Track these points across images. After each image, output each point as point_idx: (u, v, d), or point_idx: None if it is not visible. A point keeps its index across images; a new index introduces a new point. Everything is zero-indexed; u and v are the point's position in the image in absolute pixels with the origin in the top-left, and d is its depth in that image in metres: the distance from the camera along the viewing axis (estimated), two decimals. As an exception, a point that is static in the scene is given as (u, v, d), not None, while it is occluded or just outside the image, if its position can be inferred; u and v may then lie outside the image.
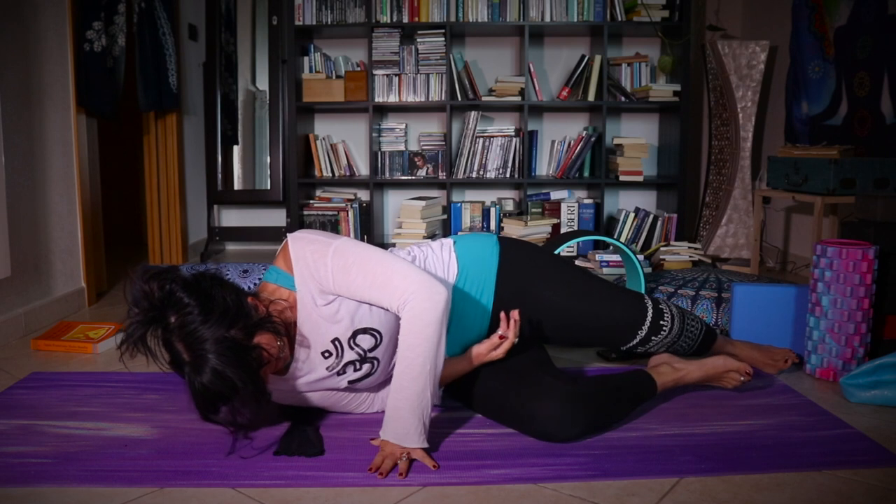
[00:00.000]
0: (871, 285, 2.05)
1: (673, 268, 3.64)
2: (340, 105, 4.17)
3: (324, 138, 4.31)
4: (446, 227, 4.24)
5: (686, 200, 4.14)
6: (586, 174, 4.24)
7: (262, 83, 4.43)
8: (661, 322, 1.89)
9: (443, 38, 4.07)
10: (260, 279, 2.03)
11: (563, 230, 4.15)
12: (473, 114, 4.19)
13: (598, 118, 4.20)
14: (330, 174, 4.33)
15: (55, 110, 2.89)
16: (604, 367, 2.23)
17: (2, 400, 1.95)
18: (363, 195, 4.40)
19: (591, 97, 4.12)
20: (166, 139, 4.03)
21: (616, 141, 4.21)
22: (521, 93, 4.11)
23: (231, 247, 4.70)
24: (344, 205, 4.26)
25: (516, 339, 1.71)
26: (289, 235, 1.61)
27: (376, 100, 4.13)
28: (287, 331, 1.56)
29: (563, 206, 4.16)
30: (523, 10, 4.03)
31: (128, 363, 2.24)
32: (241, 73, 4.43)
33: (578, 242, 4.10)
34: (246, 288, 1.80)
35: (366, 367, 1.63)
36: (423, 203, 3.99)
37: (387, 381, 1.74)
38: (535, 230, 3.98)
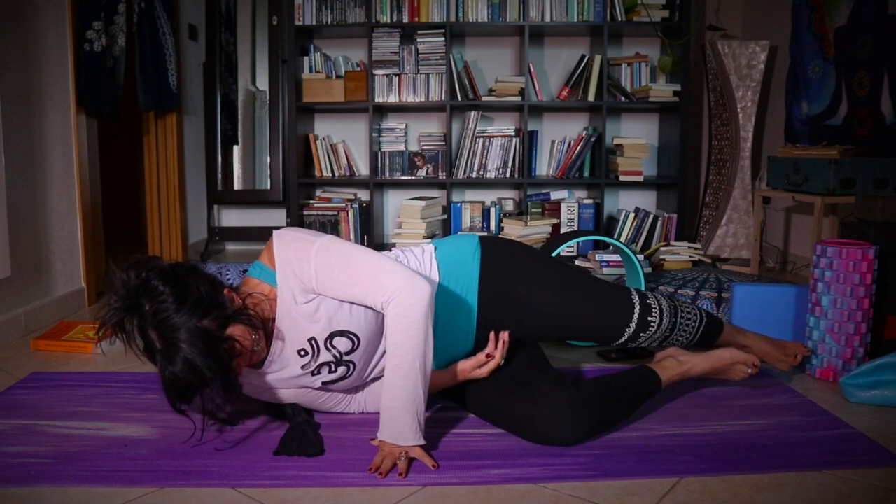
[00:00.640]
0: (871, 285, 2.05)
1: (673, 268, 3.64)
2: (340, 105, 4.17)
3: (324, 138, 4.31)
4: (446, 227, 4.24)
5: (686, 200, 4.14)
6: (586, 174, 4.24)
7: (262, 83, 4.43)
8: (650, 318, 1.85)
9: (443, 38, 4.07)
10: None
11: (563, 230, 4.15)
12: (473, 114, 4.19)
13: (598, 118, 4.20)
14: (330, 174, 4.33)
15: (55, 110, 2.89)
16: (604, 368, 2.23)
17: (2, 400, 1.95)
18: (363, 195, 4.40)
19: (591, 97, 4.12)
20: (166, 139, 4.03)
21: (616, 141, 4.21)
22: (521, 93, 4.11)
23: (231, 247, 4.70)
24: (344, 205, 4.26)
25: (502, 362, 1.71)
26: (274, 232, 1.61)
27: (376, 100, 4.13)
28: (264, 325, 1.56)
29: (563, 206, 4.16)
30: (523, 10, 4.03)
31: (128, 363, 2.26)
32: (241, 73, 4.43)
33: (578, 242, 4.10)
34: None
35: (341, 369, 1.63)
36: (423, 203, 3.99)
37: (364, 384, 1.76)
38: (535, 230, 3.98)
